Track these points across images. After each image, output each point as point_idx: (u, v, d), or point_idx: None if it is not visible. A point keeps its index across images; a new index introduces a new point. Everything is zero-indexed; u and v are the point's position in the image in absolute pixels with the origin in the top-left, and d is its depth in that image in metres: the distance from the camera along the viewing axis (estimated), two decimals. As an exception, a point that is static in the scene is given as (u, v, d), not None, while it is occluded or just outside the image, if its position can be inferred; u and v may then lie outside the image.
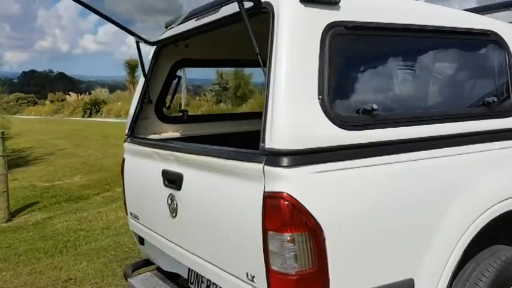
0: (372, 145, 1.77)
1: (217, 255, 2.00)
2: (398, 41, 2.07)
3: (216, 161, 1.97)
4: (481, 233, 1.98)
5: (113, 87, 47.60)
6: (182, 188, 2.21)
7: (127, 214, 3.05)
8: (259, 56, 1.80)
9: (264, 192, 1.65)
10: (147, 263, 3.11)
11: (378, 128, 1.81)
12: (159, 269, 2.94)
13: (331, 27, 1.79)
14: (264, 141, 1.68)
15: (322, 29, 1.78)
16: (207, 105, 29.70)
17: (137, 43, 2.78)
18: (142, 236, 2.85)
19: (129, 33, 2.76)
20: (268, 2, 1.81)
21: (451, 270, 1.92)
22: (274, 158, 1.64)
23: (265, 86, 1.74)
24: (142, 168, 2.70)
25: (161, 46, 2.88)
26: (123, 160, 3.00)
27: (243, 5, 1.80)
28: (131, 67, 34.94)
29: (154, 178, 2.47)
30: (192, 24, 2.49)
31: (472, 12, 2.68)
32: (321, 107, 1.71)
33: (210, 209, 2.02)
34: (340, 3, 1.82)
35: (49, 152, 12.81)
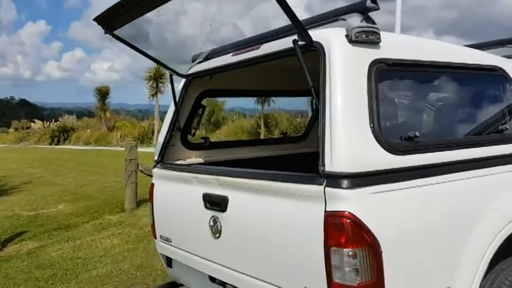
0: (415, 168, 1.99)
1: (270, 272, 2.14)
2: (427, 75, 2.33)
3: (268, 183, 2.13)
4: (501, 246, 2.22)
5: (78, 114, 47.07)
6: (228, 210, 2.35)
7: (155, 238, 3.14)
8: (312, 89, 2.01)
9: (325, 211, 1.83)
10: (173, 285, 3.20)
11: (418, 153, 2.04)
12: None
13: (375, 63, 2.03)
14: (323, 165, 1.86)
15: (368, 65, 2.02)
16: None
17: (171, 76, 2.96)
18: (174, 258, 2.95)
19: (164, 67, 2.94)
20: (318, 42, 2.03)
21: (479, 281, 2.13)
22: (334, 180, 1.83)
23: (320, 115, 1.94)
24: (178, 192, 2.82)
25: (192, 78, 3.06)
26: (152, 185, 3.11)
27: (298, 44, 2.02)
28: (102, 94, 34.76)
29: (193, 201, 2.60)
30: (229, 59, 2.68)
31: (473, 48, 3.00)
32: (373, 134, 1.92)
33: (261, 229, 2.17)
34: (380, 44, 2.07)
35: (26, 181, 12.51)
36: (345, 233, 1.78)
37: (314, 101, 2.04)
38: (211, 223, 2.47)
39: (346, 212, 1.79)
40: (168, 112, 3.17)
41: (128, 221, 7.30)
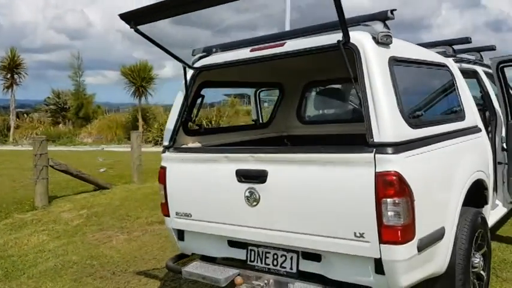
0: (424, 138, 2.74)
1: (316, 226, 2.65)
2: (416, 69, 3.10)
3: (317, 155, 2.65)
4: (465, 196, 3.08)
5: None
6: (268, 181, 2.79)
7: (167, 216, 3.38)
8: (353, 80, 2.58)
9: (376, 172, 2.42)
10: (181, 257, 3.53)
11: (423, 128, 2.78)
12: (203, 257, 3.38)
13: (390, 60, 2.70)
14: (372, 137, 2.46)
15: (387, 61, 2.67)
16: (43, 128, 27.52)
17: (184, 68, 3.27)
18: (193, 230, 3.26)
19: (179, 61, 3.26)
20: (352, 43, 2.61)
21: (457, 222, 2.94)
22: (382, 148, 2.43)
23: (363, 100, 2.52)
24: (203, 171, 3.15)
25: (201, 70, 3.38)
26: (163, 169, 3.34)
27: (343, 47, 2.58)
28: None
29: (223, 177, 2.99)
30: (246, 54, 3.11)
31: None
32: (400, 113, 2.57)
33: (307, 193, 2.66)
34: (390, 45, 2.73)
35: None
36: (392, 187, 2.40)
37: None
38: (247, 194, 2.87)
39: (392, 171, 2.40)
40: (176, 100, 3.45)
41: (45, 218, 6.95)
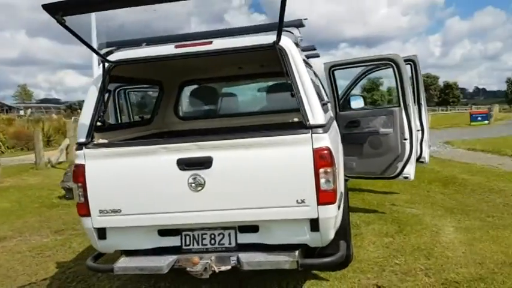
0: (330, 121, 3.44)
1: (264, 199, 3.05)
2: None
3: (261, 139, 3.08)
4: None
5: None
6: (212, 167, 3.09)
7: (86, 216, 3.27)
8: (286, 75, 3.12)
9: (313, 148, 3.00)
10: (99, 256, 3.50)
11: (326, 113, 3.49)
12: (126, 252, 3.41)
13: (304, 59, 3.34)
14: (308, 121, 3.03)
15: (304, 60, 3.30)
16: None
17: (102, 62, 3.27)
18: (127, 225, 3.24)
19: (96, 53, 3.25)
20: (280, 45, 3.14)
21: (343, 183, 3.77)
22: (316, 129, 3.02)
23: (296, 92, 3.08)
24: (133, 164, 3.19)
25: (115, 65, 3.39)
26: (80, 166, 3.22)
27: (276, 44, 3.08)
28: None
29: (161, 167, 3.14)
30: (171, 50, 3.32)
31: None
32: (320, 101, 3.23)
33: (253, 172, 3.06)
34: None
35: None
36: (325, 159, 3.01)
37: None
38: (191, 180, 3.11)
39: (324, 147, 3.02)
40: (90, 95, 3.34)
41: None
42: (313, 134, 3.02)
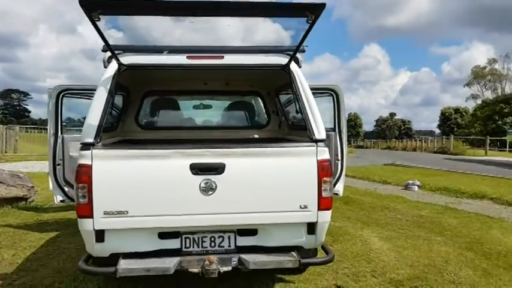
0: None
1: (270, 204, 3.37)
2: None
3: (272, 149, 3.39)
4: None
5: None
6: (225, 172, 3.31)
7: (89, 218, 3.22)
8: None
9: (317, 159, 3.42)
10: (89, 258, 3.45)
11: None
12: (124, 255, 3.40)
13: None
14: (314, 135, 3.45)
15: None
16: None
17: (109, 62, 3.37)
18: (126, 227, 3.27)
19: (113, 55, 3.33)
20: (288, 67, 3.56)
21: None
22: (320, 143, 3.46)
23: (303, 109, 3.49)
24: (145, 167, 3.26)
25: (126, 68, 3.45)
26: (87, 167, 3.20)
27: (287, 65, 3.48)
28: None
29: (172, 171, 3.28)
30: (183, 60, 3.51)
31: None
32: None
33: (261, 179, 3.36)
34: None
35: None
36: (326, 170, 3.45)
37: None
38: (203, 185, 3.29)
39: (326, 159, 3.47)
40: (98, 96, 3.34)
41: None
42: (318, 147, 3.45)
